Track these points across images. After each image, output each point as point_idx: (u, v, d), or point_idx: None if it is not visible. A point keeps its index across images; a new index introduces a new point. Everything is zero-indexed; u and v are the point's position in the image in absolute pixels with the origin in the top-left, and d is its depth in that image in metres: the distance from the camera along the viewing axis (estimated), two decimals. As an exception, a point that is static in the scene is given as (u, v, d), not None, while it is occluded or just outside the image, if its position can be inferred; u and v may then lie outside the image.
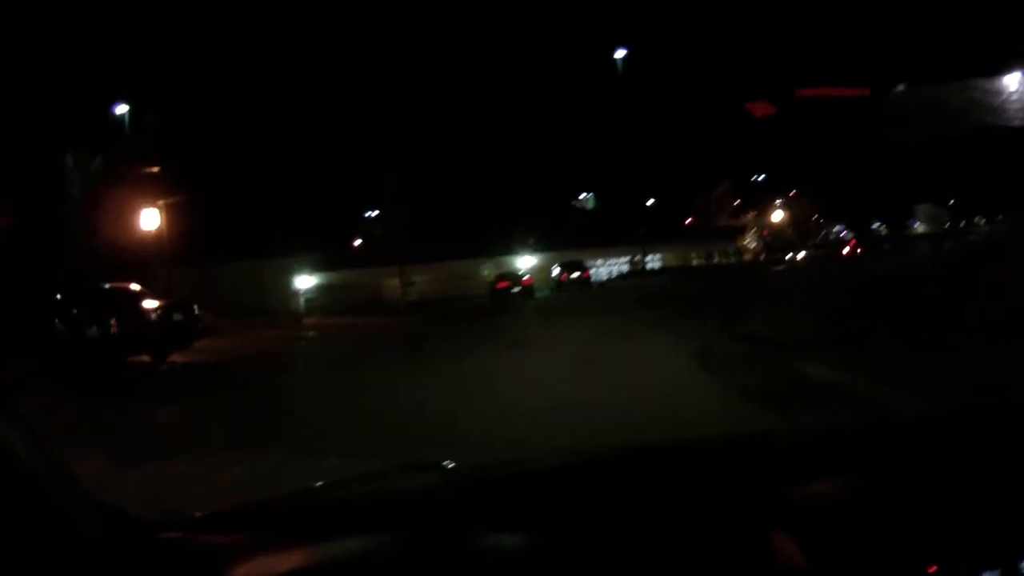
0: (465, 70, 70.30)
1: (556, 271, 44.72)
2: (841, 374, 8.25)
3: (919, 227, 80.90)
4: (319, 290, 43.44)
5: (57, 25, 34.11)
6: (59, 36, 32.82)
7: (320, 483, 2.10)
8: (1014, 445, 1.83)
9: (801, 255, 56.86)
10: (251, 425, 8.21)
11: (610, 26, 72.13)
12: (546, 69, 77.38)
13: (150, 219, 28.35)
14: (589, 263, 48.32)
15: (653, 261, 60.73)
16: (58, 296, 16.73)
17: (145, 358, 16.12)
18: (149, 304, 16.57)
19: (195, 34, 45.12)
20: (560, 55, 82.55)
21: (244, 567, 1.47)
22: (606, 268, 57.57)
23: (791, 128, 29.76)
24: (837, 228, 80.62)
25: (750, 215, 78.24)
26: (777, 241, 69.40)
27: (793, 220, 73.30)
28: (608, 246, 58.20)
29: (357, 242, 64.32)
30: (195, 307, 17.64)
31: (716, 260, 65.46)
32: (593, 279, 46.45)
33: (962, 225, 70.98)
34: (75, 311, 15.97)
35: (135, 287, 17.60)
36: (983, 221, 65.15)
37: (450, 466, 2.04)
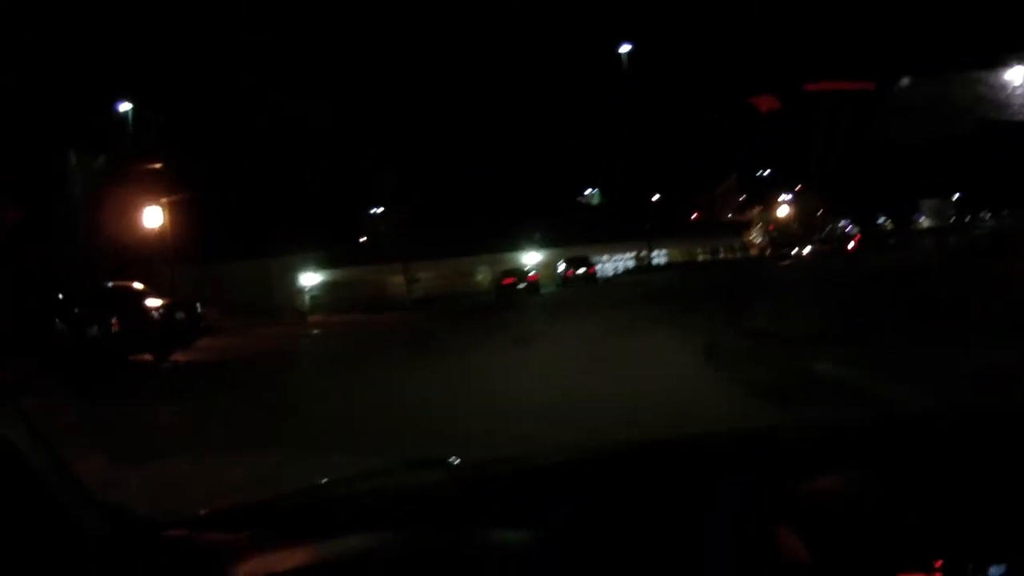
0: (467, 64, 70.37)
1: (562, 267, 44.57)
2: (847, 369, 8.24)
3: (924, 222, 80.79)
4: (324, 287, 43.49)
5: (59, 24, 34.13)
6: (61, 35, 32.91)
7: (324, 481, 2.10)
8: (1020, 440, 1.83)
9: (807, 250, 56.74)
10: (253, 424, 8.18)
11: (614, 21, 72.19)
12: (550, 65, 77.43)
13: (153, 217, 28.39)
14: (595, 259, 48.20)
15: (659, 256, 60.68)
16: (60, 295, 16.70)
17: (147, 357, 16.11)
18: (151, 303, 16.55)
19: (197, 33, 45.11)
20: (564, 50, 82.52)
21: (247, 565, 1.46)
22: (612, 264, 57.49)
23: (796, 123, 29.66)
24: (842, 223, 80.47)
25: (755, 210, 78.05)
26: (783, 236, 69.14)
27: (799, 215, 73.11)
28: (614, 242, 58.09)
29: (362, 239, 64.33)
30: (197, 305, 17.63)
31: (722, 255, 65.40)
32: (599, 275, 46.39)
33: (967, 220, 70.90)
34: (77, 310, 15.95)
35: (137, 286, 17.57)
36: (988, 216, 65.08)
37: (455, 462, 2.04)
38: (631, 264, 58.92)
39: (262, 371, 15.02)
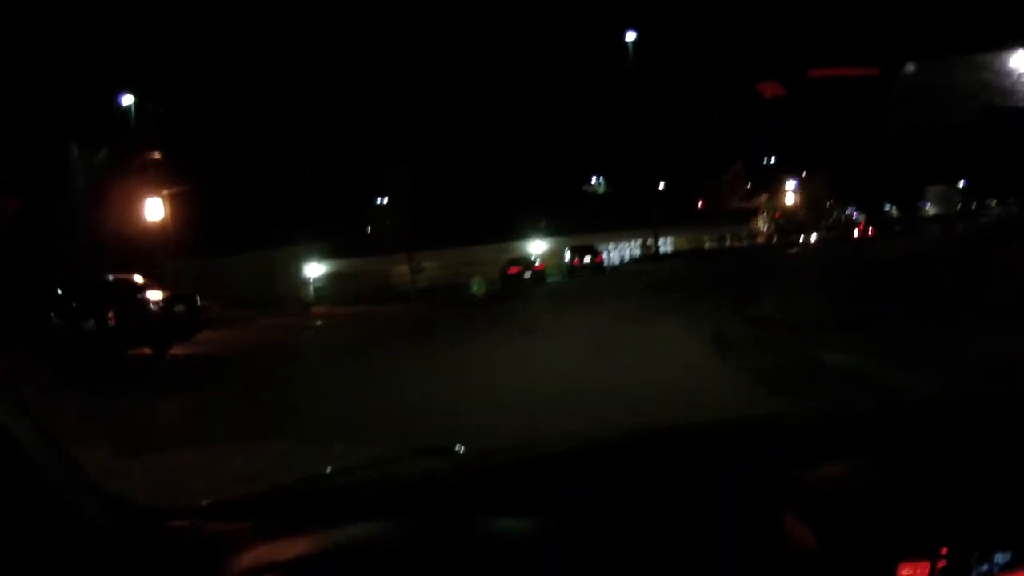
0: (470, 51, 70.16)
1: (568, 256, 44.48)
2: (853, 356, 8.25)
3: (930, 209, 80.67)
4: (328, 278, 43.37)
5: (61, 18, 34.17)
6: (64, 29, 32.95)
7: (327, 470, 2.09)
8: None
9: (813, 237, 56.64)
10: (253, 417, 8.17)
11: (619, 8, 71.97)
12: (555, 54, 77.19)
13: (156, 210, 28.33)
14: (601, 247, 48.10)
15: (665, 245, 60.55)
16: (59, 289, 16.67)
17: (146, 350, 16.10)
18: (150, 296, 16.49)
19: (199, 29, 45.20)
20: (569, 39, 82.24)
21: (250, 555, 1.46)
22: (618, 252, 57.37)
23: (802, 109, 29.58)
24: (849, 210, 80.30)
25: (762, 198, 77.83)
26: (789, 223, 69.01)
27: (805, 202, 72.90)
28: (620, 230, 57.87)
29: (368, 229, 64.30)
30: (197, 298, 17.57)
31: (728, 243, 65.27)
32: (606, 263, 46.29)
33: (973, 207, 70.79)
34: (75, 303, 15.91)
35: (138, 279, 17.51)
36: (994, 203, 64.96)
37: (459, 450, 2.03)
38: (637, 252, 58.82)
39: (262, 364, 14.93)
